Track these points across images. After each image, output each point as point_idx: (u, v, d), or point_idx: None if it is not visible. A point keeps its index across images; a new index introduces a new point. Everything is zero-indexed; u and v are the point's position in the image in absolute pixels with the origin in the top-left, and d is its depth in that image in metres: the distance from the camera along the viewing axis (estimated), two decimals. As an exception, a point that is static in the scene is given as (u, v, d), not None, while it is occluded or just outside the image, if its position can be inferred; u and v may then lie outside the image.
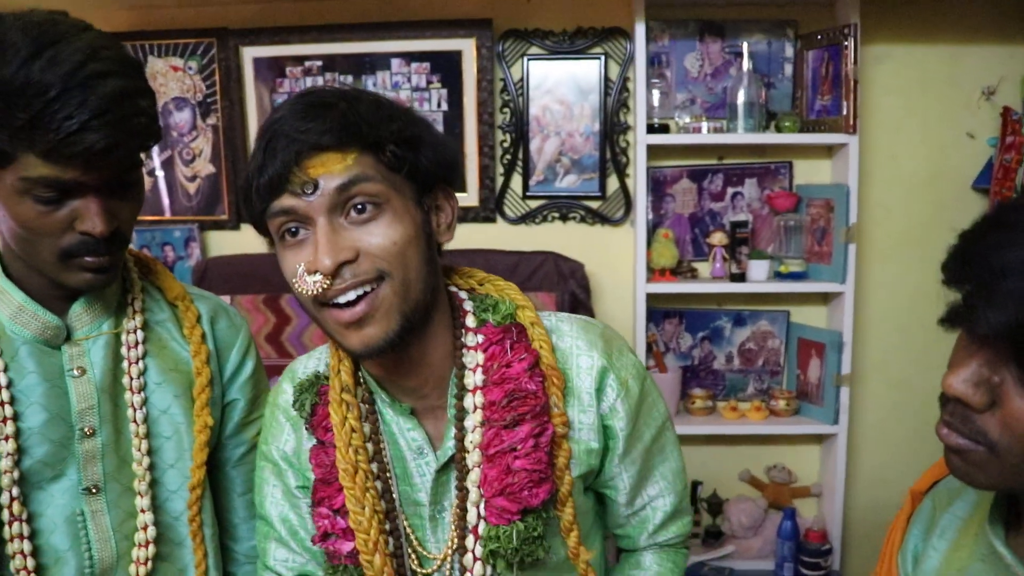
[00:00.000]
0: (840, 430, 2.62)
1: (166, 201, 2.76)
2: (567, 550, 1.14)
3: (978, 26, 2.63)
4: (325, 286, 0.99)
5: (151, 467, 1.20)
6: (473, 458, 1.10)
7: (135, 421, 1.20)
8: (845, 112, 2.48)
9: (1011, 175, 2.49)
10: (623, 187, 2.71)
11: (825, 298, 2.75)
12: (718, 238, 2.64)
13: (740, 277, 2.63)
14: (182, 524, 1.23)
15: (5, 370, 1.12)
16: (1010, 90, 2.63)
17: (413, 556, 1.17)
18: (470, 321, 1.15)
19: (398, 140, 1.02)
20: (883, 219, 2.71)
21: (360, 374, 1.17)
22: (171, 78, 2.67)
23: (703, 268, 2.74)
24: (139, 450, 1.19)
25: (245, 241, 2.74)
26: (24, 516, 1.12)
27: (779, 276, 2.63)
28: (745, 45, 2.60)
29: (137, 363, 1.21)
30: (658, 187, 2.73)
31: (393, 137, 1.02)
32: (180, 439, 1.23)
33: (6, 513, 1.10)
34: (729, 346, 2.80)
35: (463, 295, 1.18)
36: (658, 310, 2.77)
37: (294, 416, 1.21)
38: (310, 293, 1.00)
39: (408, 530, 1.17)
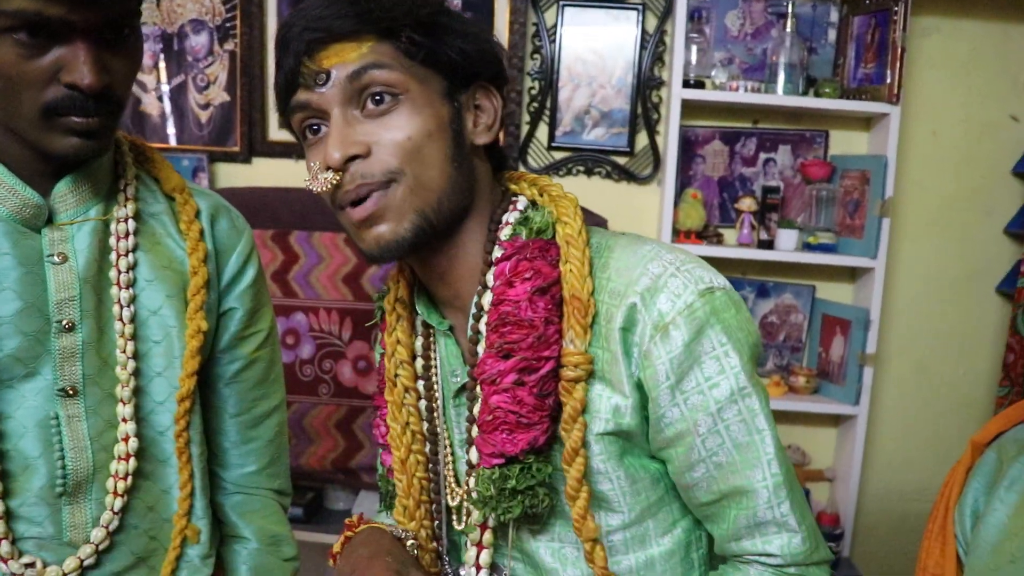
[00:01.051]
0: (861, 411, 2.53)
1: (174, 128, 2.66)
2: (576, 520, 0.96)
3: (1032, 4, 2.54)
4: (334, 182, 0.93)
5: (136, 373, 1.08)
6: (479, 388, 0.99)
7: (121, 319, 1.07)
8: (889, 81, 2.38)
9: (1057, 156, 2.41)
10: (652, 144, 2.61)
11: (852, 275, 2.66)
12: (747, 204, 2.55)
13: (768, 245, 2.54)
14: (167, 440, 1.12)
15: None
16: (1060, 74, 2.55)
17: (452, 483, 1.08)
18: (504, 233, 1.00)
19: (415, 24, 0.94)
20: (918, 196, 2.62)
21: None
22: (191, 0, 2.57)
23: (730, 235, 2.64)
24: (124, 352, 1.07)
25: (256, 174, 2.65)
26: None
27: (808, 247, 2.54)
28: (789, 6, 2.50)
29: (127, 255, 1.09)
30: (689, 147, 2.63)
31: (409, 20, 0.94)
32: (170, 344, 1.11)
33: None
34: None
35: (521, 202, 1.03)
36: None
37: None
38: (320, 191, 0.94)
39: (450, 458, 1.08)
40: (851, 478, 2.60)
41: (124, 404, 1.07)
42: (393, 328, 1.09)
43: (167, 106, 2.65)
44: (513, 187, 1.06)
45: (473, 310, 1.01)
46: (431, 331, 1.09)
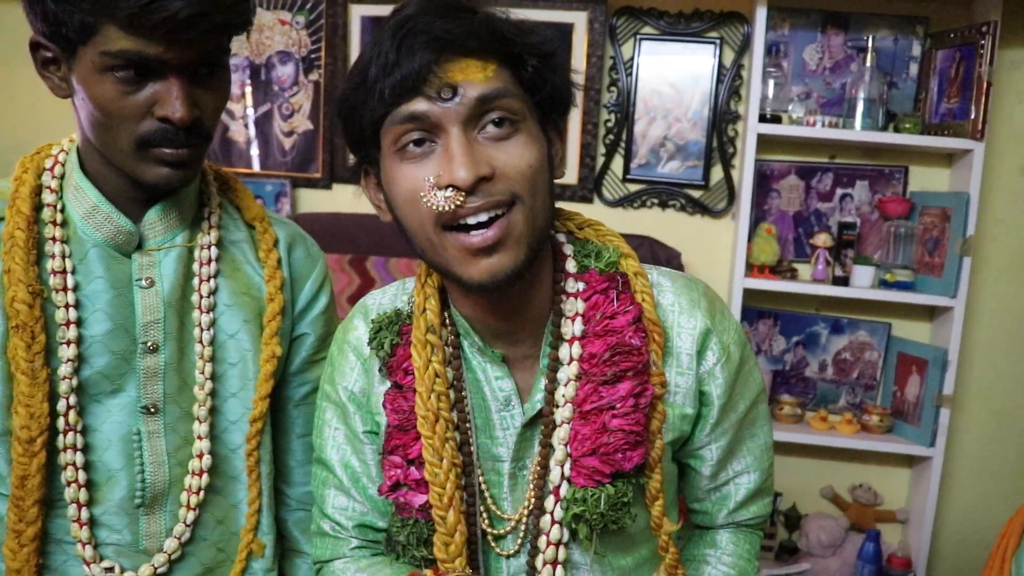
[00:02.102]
0: (936, 453, 2.47)
1: (259, 154, 2.75)
2: (647, 519, 1.05)
3: None
4: (459, 202, 0.90)
5: (213, 393, 1.15)
6: (563, 413, 1.03)
7: (201, 342, 1.14)
8: (973, 116, 2.33)
9: None
10: (727, 177, 2.61)
11: (930, 313, 2.60)
12: (823, 239, 2.53)
13: (843, 281, 2.51)
14: (239, 458, 1.17)
15: (73, 272, 1.08)
16: None
17: (485, 515, 1.08)
18: (570, 266, 1.06)
19: (539, 55, 0.95)
20: (1001, 235, 2.56)
21: (447, 314, 1.09)
22: (277, 31, 2.66)
23: (804, 270, 2.62)
24: (202, 373, 1.13)
25: (336, 200, 2.72)
26: (79, 427, 1.07)
27: (884, 284, 2.50)
28: (870, 40, 2.47)
29: (208, 281, 1.15)
30: (764, 181, 2.62)
31: (535, 52, 0.95)
32: (245, 367, 1.17)
33: (62, 421, 1.06)
34: (824, 354, 2.68)
35: (562, 238, 1.09)
36: (753, 308, 2.66)
37: (367, 355, 1.12)
38: (440, 208, 0.90)
39: (483, 487, 1.09)
40: (925, 521, 2.54)
41: (200, 422, 1.14)
42: (429, 360, 1.04)
43: (252, 133, 2.75)
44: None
45: (548, 339, 1.05)
46: (460, 363, 1.08)
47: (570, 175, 2.63)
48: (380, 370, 1.10)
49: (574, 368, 1.03)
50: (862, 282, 2.48)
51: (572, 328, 1.04)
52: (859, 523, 2.67)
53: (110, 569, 1.10)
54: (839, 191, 2.61)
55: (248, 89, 2.72)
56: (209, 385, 1.14)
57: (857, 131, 2.44)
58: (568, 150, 2.60)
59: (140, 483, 1.10)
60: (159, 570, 1.12)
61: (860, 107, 2.44)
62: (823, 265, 2.53)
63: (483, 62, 0.92)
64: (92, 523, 1.09)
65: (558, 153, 1.04)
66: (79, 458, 1.07)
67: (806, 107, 2.55)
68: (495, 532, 1.08)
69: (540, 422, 1.06)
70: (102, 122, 1.01)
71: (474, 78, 0.91)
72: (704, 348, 1.07)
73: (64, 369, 1.05)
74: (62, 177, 1.12)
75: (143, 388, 1.10)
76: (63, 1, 0.95)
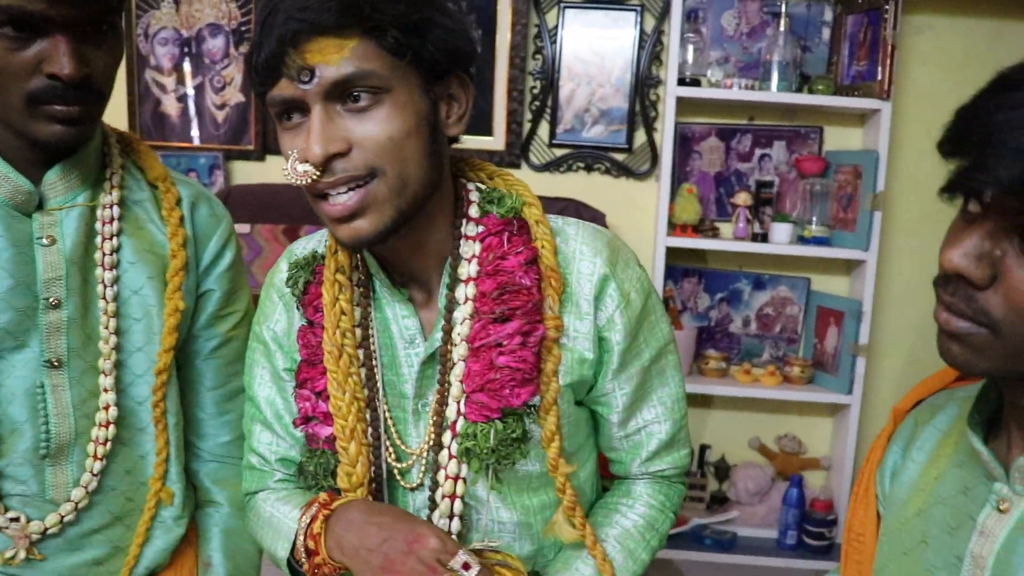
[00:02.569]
0: (854, 401, 2.59)
1: (195, 128, 2.78)
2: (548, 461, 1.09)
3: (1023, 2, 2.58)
4: (314, 177, 0.95)
5: (117, 347, 1.17)
6: (459, 351, 1.06)
7: (104, 298, 1.15)
8: (880, 77, 2.44)
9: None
10: (650, 141, 2.69)
11: (847, 268, 2.72)
12: (743, 198, 2.62)
13: (763, 238, 2.61)
14: (145, 410, 1.20)
15: None
16: (1053, 68, 2.58)
17: (390, 449, 1.13)
18: (473, 211, 1.10)
19: (402, 25, 0.95)
20: (911, 191, 2.67)
21: (358, 256, 1.13)
22: (207, 4, 2.69)
23: (725, 229, 2.71)
24: (106, 328, 1.15)
25: (269, 172, 2.76)
26: None
27: (802, 240, 2.60)
28: (783, 6, 2.56)
29: (111, 239, 1.16)
30: (685, 143, 2.71)
31: (397, 21, 0.94)
32: (150, 322, 1.19)
33: None
34: (747, 310, 2.78)
35: (470, 186, 1.13)
36: (677, 268, 2.75)
37: (287, 295, 1.16)
38: (297, 183, 0.96)
39: (389, 421, 1.13)
40: (845, 466, 2.66)
41: (106, 376, 1.16)
42: (336, 298, 1.09)
43: (184, 106, 2.77)
44: (455, 172, 1.14)
45: (446, 280, 1.09)
46: (367, 303, 1.13)
47: (498, 140, 2.70)
48: (297, 308, 1.15)
49: (468, 307, 1.07)
50: (781, 238, 2.58)
51: (468, 269, 1.08)
52: (785, 471, 2.79)
53: (15, 519, 1.11)
54: (758, 151, 2.71)
55: (186, 65, 2.74)
56: (114, 340, 1.16)
57: (773, 92, 2.53)
58: (495, 116, 2.68)
59: (44, 435, 1.12)
60: (66, 519, 1.14)
61: (776, 70, 2.53)
62: (743, 223, 2.62)
63: (340, 39, 0.93)
64: None
65: (458, 110, 1.05)
66: None
67: (724, 71, 2.63)
68: (400, 466, 1.13)
69: (439, 359, 1.10)
70: None
71: (330, 59, 0.93)
72: (602, 293, 1.09)
73: None
74: None
75: (46, 343, 1.11)
76: None
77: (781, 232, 2.58)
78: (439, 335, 1.09)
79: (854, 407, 2.60)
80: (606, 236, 1.14)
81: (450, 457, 1.07)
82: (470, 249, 1.08)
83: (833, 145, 2.69)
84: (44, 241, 1.12)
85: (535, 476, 1.12)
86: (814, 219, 2.61)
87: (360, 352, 1.11)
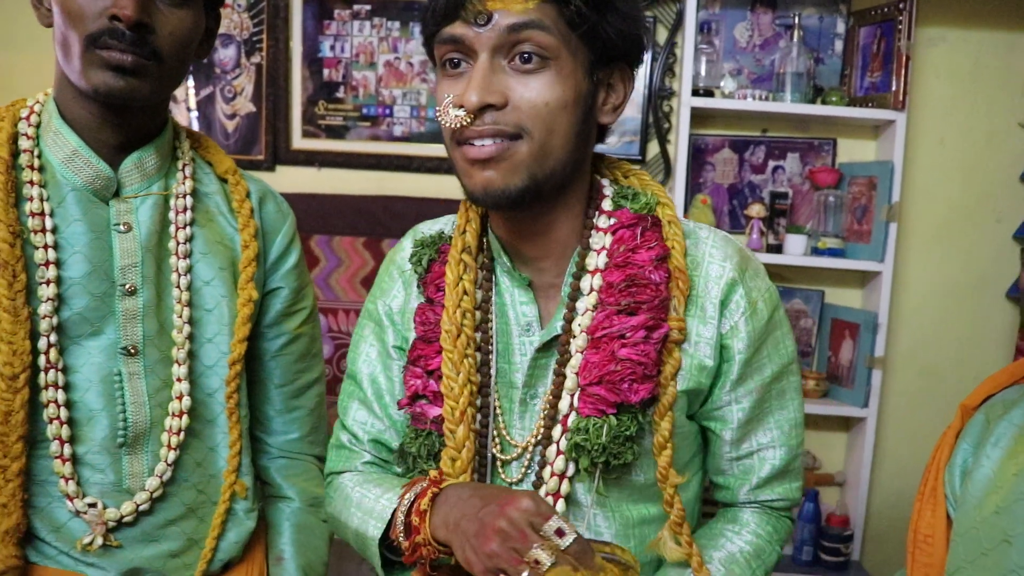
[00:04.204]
0: (870, 414, 2.57)
1: (204, 138, 2.75)
2: (656, 471, 1.03)
3: (1035, 16, 2.60)
4: (465, 123, 0.95)
5: (190, 337, 1.18)
6: (578, 343, 1.04)
7: (178, 287, 1.17)
8: (894, 88, 2.44)
9: (1062, 161, 2.45)
10: (664, 152, 2.68)
11: (861, 281, 2.70)
12: (756, 210, 2.61)
13: (777, 250, 2.59)
14: (216, 402, 1.21)
15: (51, 215, 1.10)
16: (1064, 83, 2.60)
17: (496, 439, 1.10)
18: (607, 205, 1.09)
19: None
20: (925, 203, 2.67)
21: (485, 239, 1.12)
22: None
23: (739, 241, 2.68)
24: (180, 316, 1.17)
25: (279, 181, 2.73)
26: (60, 366, 1.09)
27: (816, 252, 2.58)
28: (796, 18, 2.57)
29: (184, 228, 1.19)
30: (699, 155, 2.70)
31: None
32: (221, 313, 1.20)
33: (43, 359, 1.08)
34: (760, 323, 2.75)
35: (605, 182, 1.12)
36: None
37: (408, 272, 1.17)
38: (449, 126, 0.97)
39: (498, 410, 1.10)
40: (861, 481, 2.63)
41: (179, 365, 1.17)
42: (460, 277, 1.08)
43: (195, 116, 2.74)
44: (596, 168, 1.13)
45: (573, 269, 1.07)
46: (490, 286, 1.12)
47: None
48: (418, 286, 1.15)
49: (592, 298, 1.05)
50: (795, 250, 2.57)
51: (596, 261, 1.06)
52: (799, 486, 2.75)
53: (93, 505, 1.11)
54: (771, 163, 2.70)
55: (190, 73, 2.73)
56: (187, 329, 1.17)
57: (787, 104, 2.53)
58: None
59: (122, 423, 1.12)
60: (141, 508, 1.14)
61: (789, 82, 2.53)
62: (757, 235, 2.61)
63: None
64: (75, 461, 1.11)
65: (614, 100, 1.05)
66: (60, 396, 1.09)
67: (738, 82, 2.63)
68: (503, 457, 1.09)
69: (556, 350, 1.07)
70: (63, 30, 1.05)
71: (511, 7, 0.94)
72: (728, 299, 1.05)
73: (44, 308, 1.07)
74: (38, 126, 1.15)
75: (123, 330, 1.13)
76: None
77: (795, 244, 2.57)
78: (559, 323, 1.07)
79: (870, 420, 2.57)
80: (737, 244, 1.11)
81: (558, 453, 1.04)
82: (600, 241, 1.07)
83: (846, 157, 2.69)
84: (121, 227, 1.14)
85: (640, 487, 1.08)
86: (828, 231, 2.60)
87: (477, 335, 1.09)
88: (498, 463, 1.10)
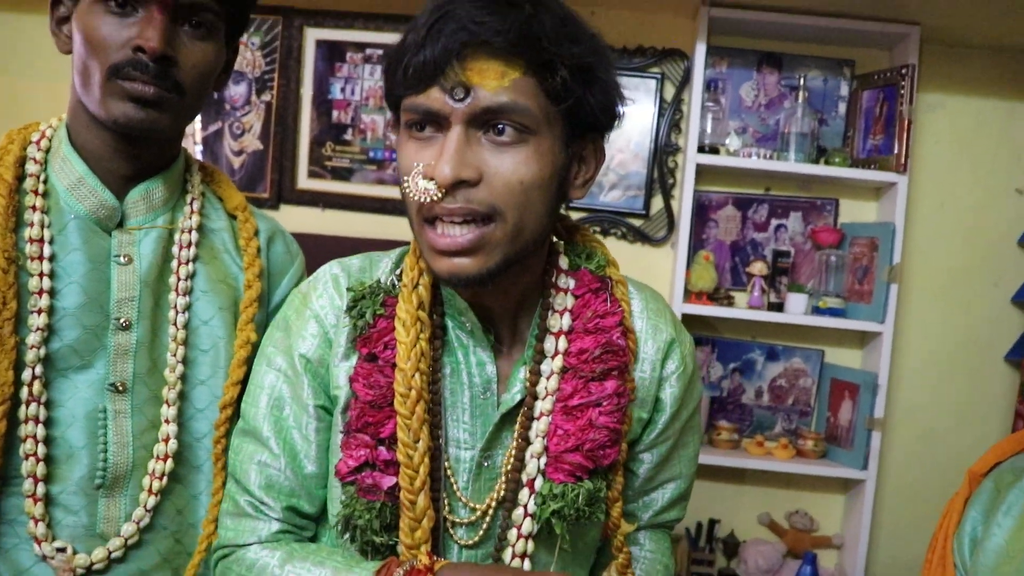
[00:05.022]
0: (869, 476, 2.54)
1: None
2: (609, 520, 1.08)
3: (1034, 85, 2.65)
4: (435, 197, 0.89)
5: (183, 377, 1.14)
6: (544, 406, 1.01)
7: (175, 324, 1.14)
8: (896, 151, 2.47)
9: (1062, 230, 2.48)
10: (667, 207, 2.70)
11: (861, 341, 2.70)
12: (758, 267, 2.61)
13: (778, 308, 2.59)
14: (203, 447, 1.16)
15: (50, 242, 1.08)
16: (1062, 151, 2.64)
17: (446, 502, 1.03)
18: (563, 262, 1.07)
19: (573, 67, 0.92)
20: (925, 265, 2.69)
21: (438, 293, 1.05)
22: (231, 52, 2.70)
23: (740, 298, 2.70)
24: (174, 355, 1.13)
25: (283, 220, 2.69)
26: (43, 399, 1.04)
27: (817, 311, 2.59)
28: (802, 79, 2.61)
29: (187, 264, 1.16)
30: (702, 211, 2.71)
31: (569, 62, 0.91)
32: (217, 355, 1.16)
33: (25, 391, 1.03)
34: (760, 381, 2.74)
35: (553, 238, 1.10)
36: (691, 336, 2.71)
37: (332, 323, 1.05)
38: (418, 199, 0.90)
39: (448, 472, 1.04)
40: (859, 544, 2.59)
41: (168, 406, 1.12)
42: (416, 339, 1.00)
43: (200, 150, 2.75)
44: None
45: (535, 331, 1.05)
46: (438, 346, 1.05)
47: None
48: (352, 341, 1.04)
49: (559, 362, 1.02)
50: (796, 309, 2.57)
51: (560, 322, 1.04)
52: (796, 548, 2.71)
53: (61, 549, 1.05)
54: (774, 221, 2.72)
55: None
56: (180, 368, 1.13)
57: (791, 163, 2.55)
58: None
59: (102, 463, 1.07)
60: (114, 555, 1.09)
61: (793, 142, 2.55)
62: (759, 292, 2.61)
63: (505, 65, 0.89)
64: (48, 501, 1.06)
65: (584, 174, 1.02)
66: (40, 431, 1.04)
67: (743, 141, 2.66)
68: (457, 520, 1.04)
69: (516, 413, 1.04)
70: (84, 59, 1.04)
71: (488, 84, 0.89)
72: (667, 356, 1.10)
73: (33, 338, 1.03)
74: (48, 151, 1.13)
75: (113, 365, 1.09)
76: None
77: (796, 303, 2.57)
78: (519, 387, 1.03)
79: (869, 483, 2.54)
80: (663, 298, 1.17)
81: (526, 515, 1.01)
82: (563, 302, 1.05)
83: (848, 217, 2.71)
84: (121, 259, 1.11)
85: (591, 538, 1.12)
86: (829, 290, 2.61)
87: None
88: (449, 526, 1.04)
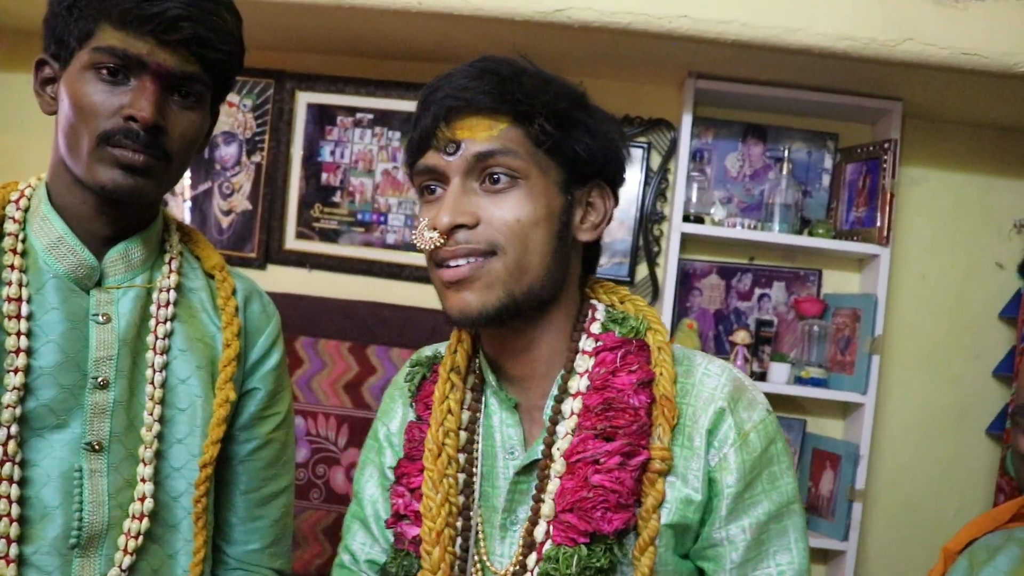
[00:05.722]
0: (849, 547, 2.53)
1: (197, 233, 2.77)
2: None
3: (1012, 160, 2.70)
4: (437, 244, 0.98)
5: (160, 436, 1.14)
6: (557, 467, 1.01)
7: (152, 383, 1.14)
8: (879, 223, 2.51)
9: (1041, 305, 2.50)
10: (652, 275, 2.72)
11: (842, 410, 2.71)
12: (741, 336, 2.63)
13: (761, 377, 2.60)
14: (180, 506, 1.15)
15: (28, 301, 1.08)
16: (1041, 225, 2.68)
17: (477, 564, 1.07)
18: (595, 328, 1.07)
19: (548, 114, 1.00)
20: (907, 336, 2.71)
21: (477, 361, 1.13)
22: (224, 112, 2.72)
23: (724, 365, 2.70)
24: (151, 414, 1.13)
25: (269, 280, 2.73)
26: (18, 459, 1.04)
27: (799, 381, 2.60)
28: (786, 151, 2.65)
29: (165, 323, 1.16)
30: (687, 279, 2.73)
31: (544, 109, 0.99)
32: (194, 413, 1.16)
33: (0, 451, 1.02)
34: (742, 448, 2.74)
35: (599, 305, 1.11)
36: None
37: (406, 392, 1.18)
38: (422, 247, 1.00)
39: (480, 535, 1.07)
40: (840, 617, 2.58)
41: (145, 465, 1.12)
42: (445, 395, 1.09)
43: (188, 207, 2.77)
44: (589, 291, 1.13)
45: (555, 392, 1.06)
46: (478, 407, 1.11)
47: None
48: (411, 404, 1.16)
49: (572, 421, 1.03)
50: (778, 378, 2.58)
51: (579, 383, 1.04)
52: (776, 619, 2.69)
53: None
54: (757, 291, 2.74)
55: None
56: (157, 427, 1.13)
57: (775, 234, 2.58)
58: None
59: (77, 523, 1.06)
60: None
61: (777, 212, 2.59)
62: (742, 361, 2.62)
63: (492, 120, 0.99)
64: (21, 562, 1.04)
65: (593, 218, 1.07)
66: (14, 491, 1.03)
67: (727, 210, 2.69)
68: None
69: (536, 474, 1.04)
70: (73, 123, 1.06)
71: (478, 136, 0.99)
72: (716, 428, 1.00)
73: (8, 398, 1.03)
74: (27, 210, 1.14)
75: (89, 424, 1.08)
76: (71, 11, 1.04)
77: (779, 372, 2.58)
78: (540, 447, 1.04)
79: (850, 553, 2.53)
80: (734, 373, 1.06)
81: None
82: (584, 364, 1.05)
83: (831, 288, 2.73)
84: (100, 319, 1.12)
85: None
86: (812, 360, 2.62)
87: (461, 457, 1.08)
88: None
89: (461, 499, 1.07)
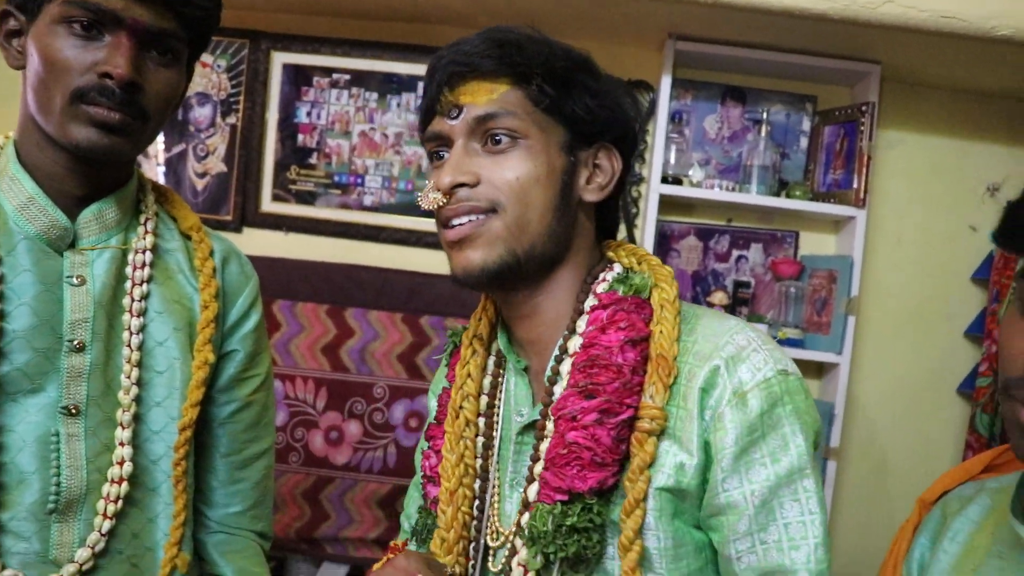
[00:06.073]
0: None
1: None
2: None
3: (988, 125, 2.70)
4: (440, 203, 1.00)
5: (138, 399, 1.13)
6: (550, 426, 1.00)
7: (129, 346, 1.12)
8: (856, 186, 2.52)
9: (1011, 264, 2.53)
10: (631, 237, 2.72)
11: (819, 371, 2.74)
12: (719, 297, 2.65)
13: (738, 338, 2.62)
14: (159, 469, 1.14)
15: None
16: (1014, 189, 2.69)
17: (493, 525, 1.07)
18: (600, 288, 1.04)
19: (546, 74, 1.01)
20: (883, 298, 2.73)
21: (497, 327, 1.14)
22: (198, 73, 2.66)
23: (701, 326, 2.72)
24: (128, 377, 1.12)
25: (246, 243, 2.69)
26: None
27: (776, 341, 2.62)
28: (765, 114, 2.65)
29: (141, 285, 1.15)
30: (665, 241, 2.74)
31: (541, 70, 1.01)
32: (172, 376, 1.15)
33: None
34: (719, 409, 2.77)
35: (616, 266, 1.07)
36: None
37: (444, 362, 1.23)
38: (428, 208, 1.02)
39: (495, 497, 1.08)
40: (814, 573, 2.62)
41: (123, 428, 1.11)
42: (466, 361, 1.13)
43: (162, 171, 2.73)
44: (611, 254, 1.09)
45: (556, 352, 1.04)
46: (500, 372, 1.13)
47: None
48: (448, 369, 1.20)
49: (567, 380, 1.01)
50: (756, 339, 2.60)
51: (575, 344, 1.02)
52: None
53: None
54: (735, 252, 2.75)
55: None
56: (135, 391, 1.12)
57: (753, 195, 2.59)
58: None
59: (55, 487, 1.05)
60: None
61: (755, 174, 2.60)
62: (720, 322, 2.64)
63: (493, 83, 1.01)
64: None
65: (601, 179, 1.05)
66: None
67: (706, 172, 2.70)
68: (494, 545, 1.06)
69: (535, 433, 1.03)
70: (44, 79, 1.03)
71: (478, 99, 1.01)
72: (710, 386, 0.94)
73: None
74: None
75: (66, 388, 1.07)
76: None
77: (756, 332, 2.60)
78: (539, 408, 1.04)
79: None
80: (743, 333, 0.97)
81: (524, 543, 0.98)
82: (583, 323, 1.03)
83: (808, 249, 2.75)
84: (74, 280, 1.09)
85: None
86: (788, 321, 2.65)
87: (481, 421, 1.11)
88: (490, 551, 1.07)
89: (479, 462, 1.10)
